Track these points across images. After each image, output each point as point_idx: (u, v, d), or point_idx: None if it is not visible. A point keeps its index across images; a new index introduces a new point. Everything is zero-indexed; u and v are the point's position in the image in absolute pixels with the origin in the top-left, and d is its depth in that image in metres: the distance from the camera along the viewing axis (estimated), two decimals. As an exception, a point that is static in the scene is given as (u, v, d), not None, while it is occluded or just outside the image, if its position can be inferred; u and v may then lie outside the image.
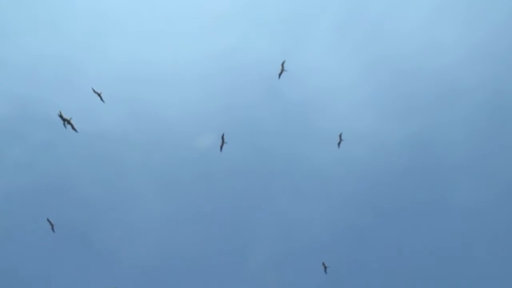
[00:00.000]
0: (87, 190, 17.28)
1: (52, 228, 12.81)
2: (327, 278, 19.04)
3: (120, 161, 17.09)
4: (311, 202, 18.66)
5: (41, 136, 16.64)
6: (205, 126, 17.19)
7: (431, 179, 19.40)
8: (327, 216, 19.18)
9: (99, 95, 11.98)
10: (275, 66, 17.71)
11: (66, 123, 11.24)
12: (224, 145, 12.04)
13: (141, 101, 16.84)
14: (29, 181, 17.31)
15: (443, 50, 18.96)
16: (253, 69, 17.18)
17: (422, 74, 19.07)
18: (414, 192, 19.36)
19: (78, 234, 17.99)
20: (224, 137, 12.02)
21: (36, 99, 16.32)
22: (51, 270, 17.79)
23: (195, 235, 17.74)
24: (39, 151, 16.60)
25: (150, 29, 17.12)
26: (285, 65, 12.57)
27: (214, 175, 17.53)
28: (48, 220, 12.80)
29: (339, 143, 12.61)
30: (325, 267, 13.74)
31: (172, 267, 18.20)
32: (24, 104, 15.97)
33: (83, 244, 17.92)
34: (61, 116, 11.19)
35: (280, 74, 12.45)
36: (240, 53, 17.04)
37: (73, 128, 11.36)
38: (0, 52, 15.67)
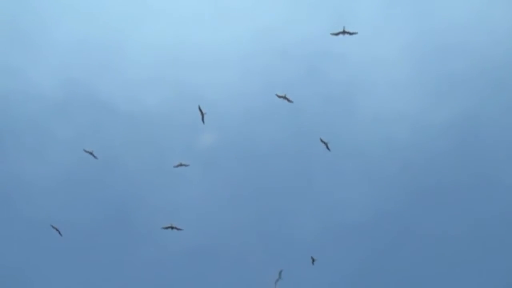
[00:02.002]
0: (131, 171, 17.73)
1: (59, 233, 13.20)
2: (363, 261, 19.04)
3: (164, 142, 17.41)
4: (351, 183, 18.54)
5: (87, 117, 17.11)
6: (246, 106, 17.22)
7: (476, 160, 18.86)
8: (367, 197, 19.03)
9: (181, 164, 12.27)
10: (317, 45, 17.42)
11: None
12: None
13: (182, 83, 16.98)
14: (75, 160, 17.86)
15: (491, 24, 18.12)
16: (294, 48, 16.95)
17: (467, 50, 18.32)
18: (458, 174, 18.90)
19: (121, 213, 18.54)
20: (202, 108, 11.88)
21: (81, 81, 16.73)
22: (91, 248, 18.43)
23: (236, 216, 17.99)
24: (86, 131, 17.11)
25: (188, 12, 17.12)
26: (281, 274, 12.09)
27: (255, 155, 17.62)
28: (52, 226, 13.14)
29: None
30: (313, 260, 13.61)
31: (212, 249, 18.57)
32: (73, 85, 16.44)
33: (125, 223, 18.46)
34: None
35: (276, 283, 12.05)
36: (281, 32, 16.82)
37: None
38: (48, 36, 16.09)
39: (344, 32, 11.56)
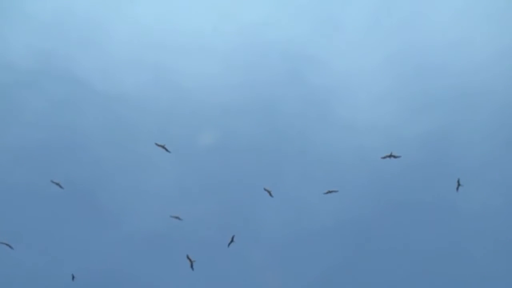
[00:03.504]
0: (101, 151, 17.45)
1: (60, 186, 13.02)
2: (327, 265, 19.15)
3: (137, 126, 17.21)
4: (321, 188, 18.63)
5: (61, 92, 16.78)
6: (224, 100, 17.20)
7: (443, 178, 19.22)
8: (335, 204, 19.16)
9: (163, 146, 12.06)
10: (300, 48, 17.59)
11: None
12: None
13: (163, 69, 16.87)
14: (44, 136, 17.49)
15: (473, 48, 18.62)
16: (277, 48, 17.07)
17: (447, 71, 18.78)
18: (424, 190, 19.24)
19: (86, 193, 18.21)
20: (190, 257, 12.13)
21: (59, 54, 16.42)
22: (53, 226, 18.06)
23: (202, 207, 17.87)
24: (57, 107, 16.77)
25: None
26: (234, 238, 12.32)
27: (228, 149, 17.59)
28: (53, 181, 12.96)
29: (457, 188, 12.59)
30: (73, 277, 13.38)
31: (175, 236, 18.38)
32: (47, 59, 16.10)
33: (89, 203, 18.14)
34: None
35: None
36: (266, 30, 16.92)
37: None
38: (27, 5, 15.76)
39: (391, 156, 12.39)
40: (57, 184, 12.87)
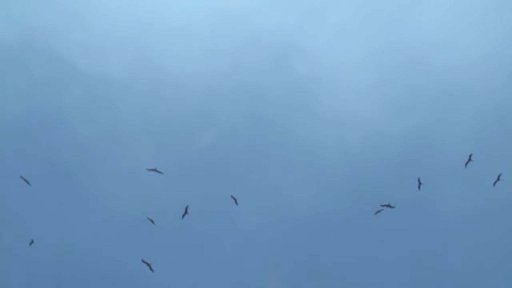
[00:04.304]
0: (82, 131, 17.29)
1: (28, 182, 12.99)
2: (301, 256, 19.33)
3: (119, 107, 17.06)
4: (300, 179, 18.77)
5: (44, 70, 16.54)
6: (208, 85, 17.13)
7: (421, 176, 19.43)
8: (312, 195, 19.31)
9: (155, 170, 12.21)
10: (287, 37, 17.53)
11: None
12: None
13: (148, 50, 16.72)
14: (24, 113, 17.26)
15: (458, 49, 18.76)
16: (264, 36, 17.00)
17: (431, 70, 18.91)
18: (402, 187, 19.44)
19: (66, 173, 18.08)
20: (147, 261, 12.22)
21: (43, 30, 16.14)
22: (32, 205, 17.91)
23: (183, 191, 17.87)
24: (39, 84, 16.53)
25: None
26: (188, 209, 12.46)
27: (210, 133, 17.55)
28: (21, 177, 12.91)
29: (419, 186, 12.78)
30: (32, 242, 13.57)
31: (155, 220, 18.36)
32: (31, 34, 15.80)
33: (69, 183, 18.02)
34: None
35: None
36: (254, 17, 16.82)
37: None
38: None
39: (388, 206, 12.67)
40: (25, 180, 12.87)
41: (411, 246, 19.24)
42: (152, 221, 12.81)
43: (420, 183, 12.55)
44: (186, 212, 12.12)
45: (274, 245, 19.27)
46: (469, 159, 12.55)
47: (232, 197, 12.40)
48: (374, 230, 19.08)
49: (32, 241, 13.53)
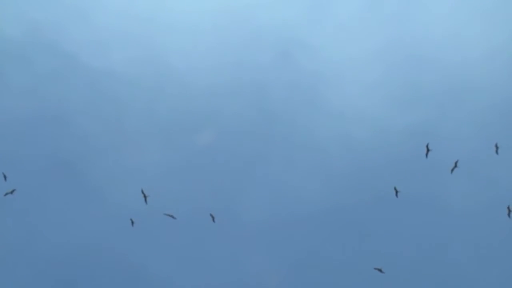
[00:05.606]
0: (87, 126, 17.31)
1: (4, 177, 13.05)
2: (306, 250, 19.30)
3: (124, 102, 17.07)
4: (305, 174, 18.75)
5: (49, 64, 16.57)
6: (213, 80, 17.12)
7: (426, 172, 19.41)
8: (317, 190, 19.28)
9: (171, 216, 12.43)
10: (292, 32, 17.52)
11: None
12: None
13: (153, 45, 16.72)
14: (30, 108, 17.30)
15: (463, 45, 18.71)
16: (269, 30, 16.99)
17: (436, 65, 18.86)
18: (407, 182, 19.39)
19: (71, 167, 18.10)
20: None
21: (49, 25, 16.17)
22: (38, 198, 17.95)
23: (187, 187, 17.86)
24: (44, 79, 16.56)
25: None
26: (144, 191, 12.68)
27: (214, 128, 17.54)
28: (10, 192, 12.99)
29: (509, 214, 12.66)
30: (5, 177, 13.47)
31: (159, 216, 18.38)
32: (36, 29, 15.83)
33: (74, 178, 18.03)
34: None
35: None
36: (258, 12, 16.81)
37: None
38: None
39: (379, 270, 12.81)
40: (11, 192, 13.00)
41: (415, 240, 19.20)
42: (172, 216, 13.01)
43: (428, 150, 12.40)
44: (145, 195, 12.48)
45: (279, 239, 19.25)
46: (428, 150, 12.47)
47: (210, 215, 12.78)
48: (378, 225, 19.06)
49: (5, 176, 13.39)
